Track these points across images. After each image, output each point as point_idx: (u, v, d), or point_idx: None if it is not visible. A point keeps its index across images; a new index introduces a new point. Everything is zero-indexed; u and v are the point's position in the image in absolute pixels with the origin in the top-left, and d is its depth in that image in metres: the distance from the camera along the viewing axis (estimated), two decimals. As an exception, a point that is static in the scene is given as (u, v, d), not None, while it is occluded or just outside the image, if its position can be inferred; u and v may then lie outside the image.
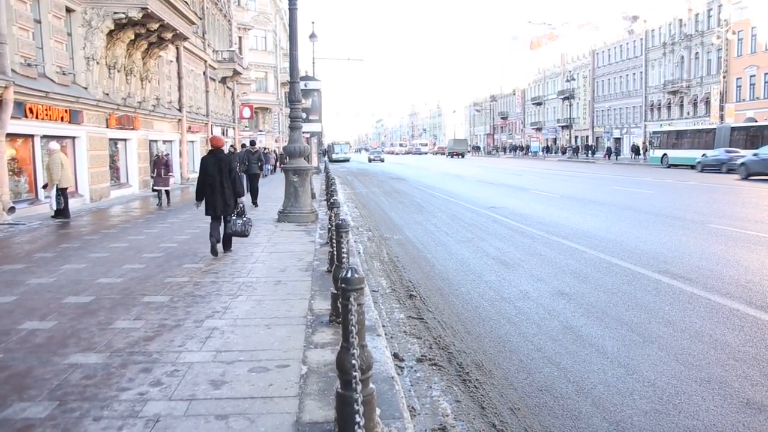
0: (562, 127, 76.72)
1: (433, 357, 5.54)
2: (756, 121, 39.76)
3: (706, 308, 6.60)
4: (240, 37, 46.12)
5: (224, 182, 9.06)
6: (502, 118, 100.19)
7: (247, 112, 43.17)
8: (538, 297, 7.36)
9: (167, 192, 17.41)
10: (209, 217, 9.22)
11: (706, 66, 51.10)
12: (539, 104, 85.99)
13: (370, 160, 69.71)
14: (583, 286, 7.76)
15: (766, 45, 43.36)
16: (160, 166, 17.03)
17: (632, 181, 27.75)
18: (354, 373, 2.94)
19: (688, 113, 52.84)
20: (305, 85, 25.11)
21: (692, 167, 35.84)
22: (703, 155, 35.20)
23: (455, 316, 6.74)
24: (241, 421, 3.64)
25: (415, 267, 9.49)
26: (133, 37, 20.49)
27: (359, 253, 10.60)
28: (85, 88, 18.22)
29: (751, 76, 45.06)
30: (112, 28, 18.81)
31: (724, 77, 46.97)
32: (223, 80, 37.82)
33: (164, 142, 26.33)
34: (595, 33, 71.33)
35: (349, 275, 3.15)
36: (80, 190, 17.97)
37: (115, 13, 18.46)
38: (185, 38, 24.88)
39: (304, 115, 16.43)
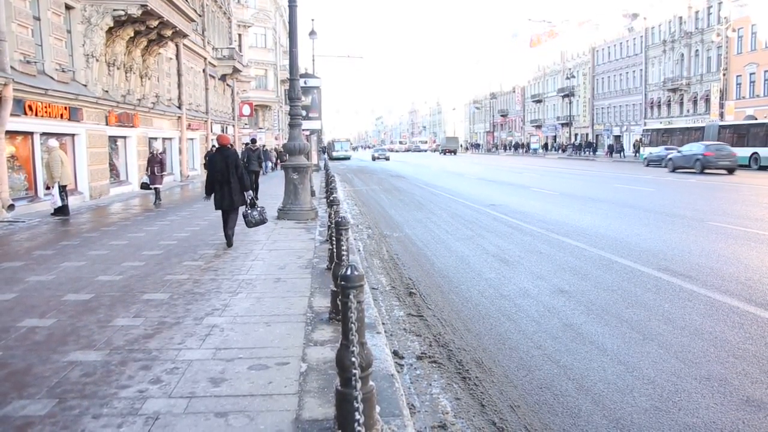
0: (562, 124, 76.68)
1: (432, 354, 5.54)
2: (755, 119, 39.82)
3: (705, 306, 6.60)
4: (240, 35, 46.04)
5: (231, 178, 9.60)
6: (501, 116, 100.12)
7: (246, 110, 43.12)
8: (538, 294, 7.36)
9: (157, 191, 17.00)
10: (217, 212, 9.61)
11: (706, 63, 51.05)
12: (539, 102, 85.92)
13: (374, 159, 65.62)
14: (582, 284, 7.76)
15: (766, 43, 43.31)
16: (154, 164, 16.74)
17: (632, 178, 27.75)
18: (354, 371, 2.94)
19: (688, 111, 52.81)
20: (305, 83, 25.08)
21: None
22: (649, 153, 40.76)
23: (455, 314, 6.74)
24: (241, 418, 3.64)
25: (414, 264, 9.48)
26: (132, 34, 20.46)
27: (359, 250, 10.60)
28: (85, 86, 18.19)
29: (751, 74, 45.02)
30: (112, 25, 18.79)
31: (724, 75, 46.93)
32: (223, 77, 37.78)
33: (164, 139, 26.33)
34: (595, 31, 71.23)
35: (348, 273, 3.15)
36: (80, 188, 17.96)
37: (114, 10, 18.43)
38: (185, 35, 24.85)
39: (303, 113, 16.43)
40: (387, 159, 64.52)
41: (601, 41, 69.32)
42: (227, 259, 8.77)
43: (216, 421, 3.60)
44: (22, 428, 3.55)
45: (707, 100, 49.29)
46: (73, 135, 17.71)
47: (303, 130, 14.86)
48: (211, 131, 33.79)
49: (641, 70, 61.12)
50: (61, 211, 13.86)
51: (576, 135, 73.53)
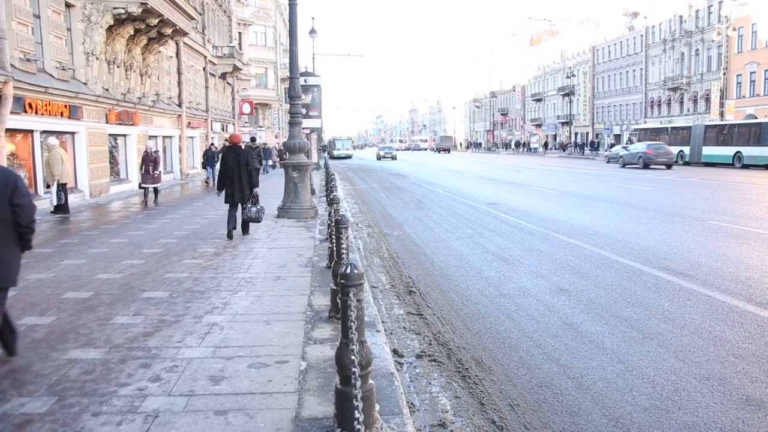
0: (562, 123, 76.64)
1: (432, 353, 5.54)
2: (756, 118, 40.00)
3: (705, 305, 6.60)
4: (240, 33, 45.99)
5: (242, 174, 10.28)
6: (502, 115, 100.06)
7: (246, 108, 43.07)
8: (538, 293, 7.36)
9: (155, 190, 16.75)
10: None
11: (706, 63, 51.01)
12: (539, 100, 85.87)
13: (379, 158, 60.52)
14: (582, 283, 7.76)
15: (767, 42, 43.28)
16: (148, 163, 16.34)
17: (632, 177, 27.74)
18: (353, 369, 2.94)
19: (689, 110, 52.78)
20: (305, 81, 25.05)
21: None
22: (610, 151, 45.04)
23: (455, 313, 6.74)
24: (240, 416, 3.64)
25: (414, 263, 9.48)
26: (132, 32, 20.44)
27: (359, 249, 10.60)
28: (85, 84, 18.18)
29: (751, 73, 44.97)
30: (112, 23, 18.76)
31: (724, 74, 46.88)
32: (223, 76, 37.75)
33: (164, 137, 26.32)
34: (595, 29, 71.18)
35: (348, 271, 3.15)
36: (80, 186, 17.95)
37: (114, 8, 18.40)
38: (185, 34, 24.82)
39: (303, 111, 16.41)
40: (394, 158, 58.68)
41: (602, 40, 69.26)
42: (227, 257, 8.77)
43: (215, 419, 3.60)
44: (21, 426, 3.55)
45: (707, 100, 49.24)
46: (73, 133, 17.70)
47: (303, 128, 14.86)
48: (211, 129, 33.77)
49: (641, 69, 61.08)
50: (61, 209, 13.86)
51: (576, 134, 73.52)
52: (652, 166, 35.11)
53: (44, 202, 15.02)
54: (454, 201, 18.43)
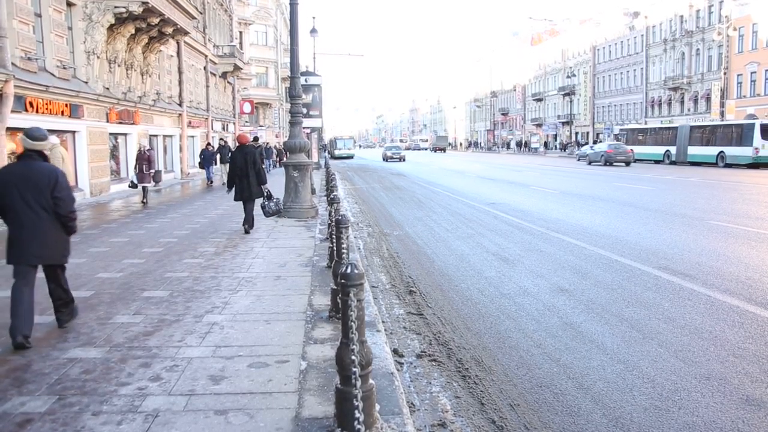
0: (563, 123, 76.63)
1: (432, 353, 5.54)
2: (756, 118, 40.21)
3: (706, 305, 6.60)
4: (241, 32, 46.01)
5: (250, 172, 10.81)
6: (502, 114, 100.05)
7: (247, 107, 43.06)
8: (538, 293, 7.36)
9: (144, 189, 16.38)
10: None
11: (706, 62, 51.01)
12: (540, 100, 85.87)
13: (386, 159, 54.82)
14: (582, 283, 7.76)
15: (767, 41, 43.26)
16: (142, 162, 16.06)
17: (632, 177, 27.73)
18: (353, 369, 2.94)
19: (689, 110, 52.77)
20: (306, 81, 25.03)
21: (656, 162, 41.90)
22: (580, 151, 49.44)
23: (455, 312, 6.74)
24: (241, 416, 3.64)
25: (414, 263, 9.48)
26: (133, 31, 20.44)
27: (359, 248, 10.60)
28: (86, 83, 18.18)
29: (752, 73, 44.98)
30: (113, 22, 18.76)
31: (724, 74, 46.87)
32: (224, 75, 37.76)
33: (165, 136, 26.32)
34: (595, 29, 71.17)
35: (348, 271, 3.15)
36: (80, 185, 17.94)
37: (115, 7, 18.41)
38: (186, 33, 24.83)
39: (304, 111, 16.42)
40: (402, 160, 52.34)
41: (602, 40, 69.26)
42: (227, 256, 8.77)
43: (216, 419, 3.60)
44: (21, 425, 3.55)
45: (708, 99, 49.26)
46: (73, 132, 17.70)
47: (304, 128, 14.87)
48: (212, 129, 33.77)
49: (642, 68, 61.07)
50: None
51: (577, 133, 73.50)
52: (614, 164, 39.12)
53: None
54: (455, 200, 18.43)
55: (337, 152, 64.07)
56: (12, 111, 13.75)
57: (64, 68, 16.77)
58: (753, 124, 33.99)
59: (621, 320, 6.19)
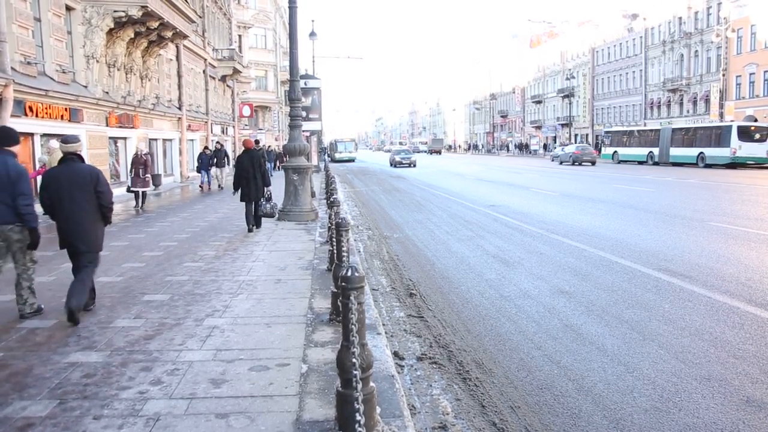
0: (562, 125, 76.63)
1: (433, 355, 5.54)
2: (756, 120, 40.73)
3: (706, 306, 6.60)
4: (240, 36, 46.02)
5: (256, 174, 11.48)
6: (501, 116, 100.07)
7: (246, 111, 43.12)
8: (538, 295, 7.36)
9: (143, 194, 16.38)
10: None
11: (705, 64, 51.03)
12: (539, 102, 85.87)
13: (394, 164, 46.09)
14: (583, 284, 7.76)
15: (766, 43, 43.31)
16: (138, 166, 16.04)
17: (631, 179, 27.75)
18: (354, 372, 2.94)
19: (688, 111, 52.81)
20: (305, 84, 25.09)
21: (640, 163, 43.36)
22: (553, 152, 53.91)
23: (455, 315, 6.74)
24: (242, 419, 3.64)
25: (415, 265, 9.48)
26: (132, 35, 20.48)
27: (359, 251, 10.60)
28: (85, 87, 18.20)
29: (750, 74, 45.01)
30: (112, 26, 18.80)
31: (723, 75, 46.92)
32: (223, 78, 37.79)
33: (164, 140, 26.32)
34: (594, 31, 71.20)
35: (349, 274, 3.15)
36: (80, 189, 17.92)
37: (115, 11, 18.44)
38: (185, 36, 24.85)
39: (304, 114, 16.43)
40: (412, 165, 44.99)
41: (601, 42, 69.29)
42: (228, 260, 8.77)
43: (217, 423, 3.60)
44: (23, 429, 3.55)
45: (707, 101, 49.29)
46: (73, 136, 17.69)
47: (303, 131, 14.88)
48: (212, 132, 33.78)
49: (641, 70, 61.10)
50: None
51: (576, 135, 73.52)
52: (582, 163, 43.22)
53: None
54: (454, 203, 18.44)
55: (337, 155, 62.22)
56: (12, 115, 13.76)
57: (64, 72, 16.79)
58: (730, 127, 35.56)
59: (621, 322, 6.20)
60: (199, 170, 24.04)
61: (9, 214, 5.56)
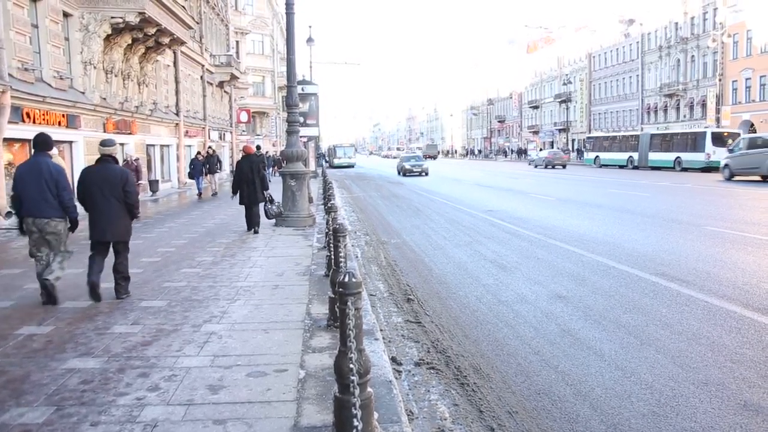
0: (559, 130, 76.81)
1: (431, 361, 5.54)
2: (752, 124, 41.07)
3: (703, 310, 6.61)
4: (237, 42, 46.12)
5: (255, 179, 11.99)
6: (499, 122, 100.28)
7: (244, 116, 43.15)
8: (536, 300, 7.37)
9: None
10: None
11: (702, 69, 51.24)
12: (536, 107, 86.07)
13: (403, 172, 40.21)
14: (580, 289, 7.77)
15: (762, 48, 43.52)
16: None
17: (628, 183, 27.81)
18: (352, 377, 2.94)
19: (685, 116, 52.99)
20: (302, 89, 25.13)
21: (620, 167, 44.83)
22: (531, 157, 58.95)
23: (453, 320, 6.75)
24: (239, 425, 3.64)
25: (412, 271, 9.49)
26: (130, 41, 20.49)
27: (357, 257, 10.60)
28: (83, 93, 18.21)
29: (746, 79, 45.18)
30: (110, 32, 18.81)
31: (720, 80, 47.07)
32: (221, 84, 37.83)
33: (162, 146, 26.32)
34: (591, 36, 71.45)
35: (346, 279, 3.15)
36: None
37: (112, 17, 18.45)
38: (182, 42, 24.89)
39: (301, 119, 16.46)
40: (424, 174, 39.27)
41: (598, 47, 69.54)
42: (225, 266, 8.77)
43: (214, 429, 3.60)
44: (20, 436, 3.54)
45: (704, 106, 49.46)
46: (71, 142, 17.71)
47: (300, 136, 14.90)
48: (209, 138, 33.77)
49: (638, 75, 61.31)
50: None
51: (573, 140, 73.68)
52: (554, 167, 46.94)
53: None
54: (452, 208, 18.45)
55: (336, 161, 61.02)
56: (9, 122, 13.75)
57: (61, 78, 16.80)
58: (705, 133, 37.39)
59: (619, 326, 6.20)
60: (191, 176, 23.16)
61: (48, 209, 6.51)
